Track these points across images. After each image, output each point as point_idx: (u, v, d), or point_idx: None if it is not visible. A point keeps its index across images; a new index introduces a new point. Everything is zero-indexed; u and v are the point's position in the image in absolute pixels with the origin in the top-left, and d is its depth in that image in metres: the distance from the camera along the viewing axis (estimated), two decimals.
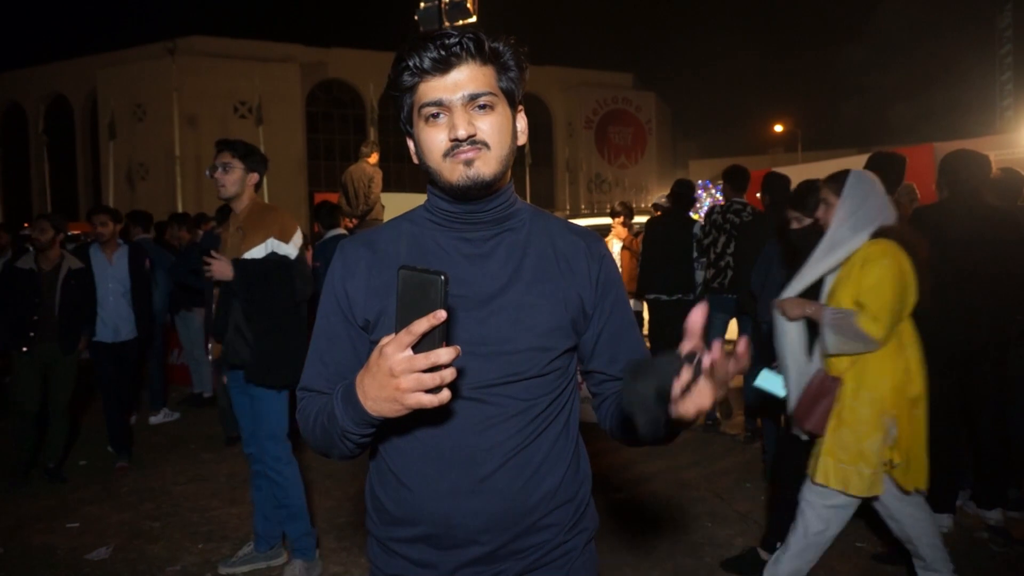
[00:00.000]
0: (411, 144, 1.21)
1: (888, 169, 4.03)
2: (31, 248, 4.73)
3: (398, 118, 1.20)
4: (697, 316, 0.98)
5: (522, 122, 1.23)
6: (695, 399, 0.97)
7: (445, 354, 0.93)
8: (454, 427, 1.15)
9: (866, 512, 3.74)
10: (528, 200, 1.40)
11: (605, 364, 1.29)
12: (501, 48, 1.15)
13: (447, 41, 1.10)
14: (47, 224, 4.61)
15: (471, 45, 1.11)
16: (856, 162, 4.75)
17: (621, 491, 4.12)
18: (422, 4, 8.58)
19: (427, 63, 1.10)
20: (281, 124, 30.43)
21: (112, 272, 5.00)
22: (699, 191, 14.42)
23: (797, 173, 5.52)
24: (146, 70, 30.46)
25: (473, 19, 8.29)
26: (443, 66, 1.10)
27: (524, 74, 1.19)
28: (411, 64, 1.11)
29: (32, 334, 4.52)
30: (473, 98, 1.11)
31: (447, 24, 8.55)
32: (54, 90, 35.40)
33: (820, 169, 8.74)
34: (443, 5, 8.35)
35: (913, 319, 2.54)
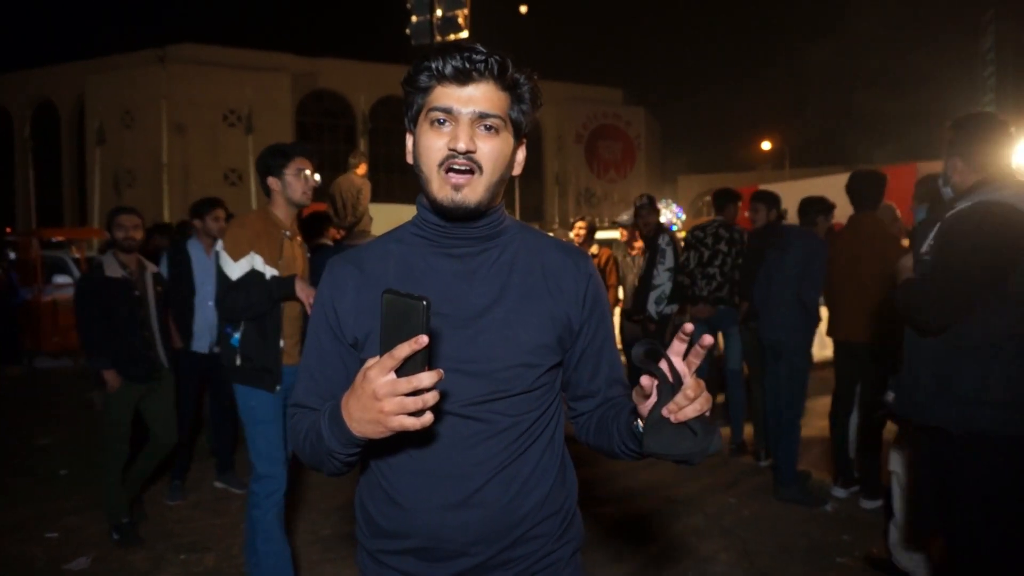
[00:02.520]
0: (409, 141, 1.22)
1: (868, 187, 4.12)
2: (113, 249, 3.78)
3: (405, 114, 1.21)
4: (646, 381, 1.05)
5: (521, 154, 1.25)
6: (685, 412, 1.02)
7: (427, 378, 0.94)
8: (443, 443, 1.16)
9: (848, 528, 3.77)
10: (517, 213, 1.42)
11: (586, 380, 1.31)
12: (522, 80, 1.17)
13: (474, 56, 1.11)
14: (139, 219, 3.77)
15: (495, 67, 1.13)
16: (841, 180, 4.83)
17: (605, 506, 4.12)
18: (414, 18, 8.63)
19: (449, 70, 1.12)
20: (271, 133, 30.33)
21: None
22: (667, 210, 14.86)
23: (786, 190, 5.60)
24: (135, 77, 30.36)
25: (465, 33, 8.36)
26: (463, 77, 1.12)
27: (536, 112, 1.22)
28: (433, 66, 1.13)
29: (148, 356, 3.75)
30: (482, 117, 1.13)
31: (439, 38, 8.62)
32: (41, 95, 35.22)
33: (808, 186, 8.88)
34: (435, 20, 8.41)
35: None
